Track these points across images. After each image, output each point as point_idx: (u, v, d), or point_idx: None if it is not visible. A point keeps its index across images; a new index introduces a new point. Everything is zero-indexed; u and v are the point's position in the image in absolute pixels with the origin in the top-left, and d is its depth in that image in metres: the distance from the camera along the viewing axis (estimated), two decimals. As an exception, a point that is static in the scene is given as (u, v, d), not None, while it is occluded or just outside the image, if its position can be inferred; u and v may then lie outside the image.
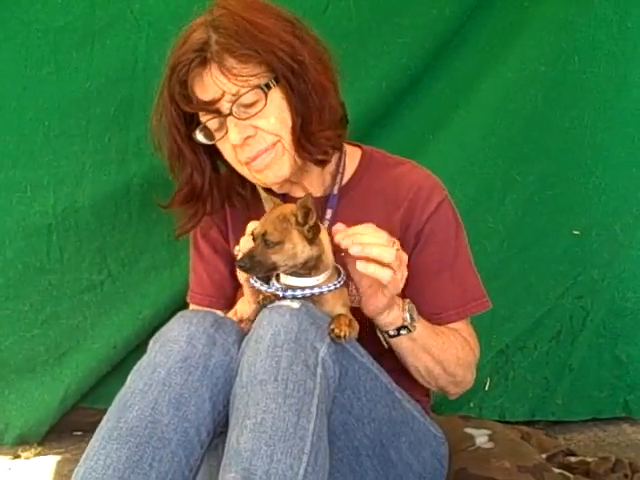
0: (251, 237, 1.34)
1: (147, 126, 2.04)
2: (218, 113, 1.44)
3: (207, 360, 1.29)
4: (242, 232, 1.40)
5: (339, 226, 1.37)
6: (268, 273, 1.36)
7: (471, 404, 2.27)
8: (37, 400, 2.22)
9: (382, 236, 1.34)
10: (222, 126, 1.47)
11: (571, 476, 1.75)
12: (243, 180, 1.57)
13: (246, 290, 1.44)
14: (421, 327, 1.47)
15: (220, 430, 1.31)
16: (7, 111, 2.08)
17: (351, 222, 1.41)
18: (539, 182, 2.24)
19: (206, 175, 1.55)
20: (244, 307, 1.47)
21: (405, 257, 1.39)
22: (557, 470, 1.77)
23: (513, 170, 2.23)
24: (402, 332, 1.46)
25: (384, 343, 1.50)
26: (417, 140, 2.20)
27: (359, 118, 2.13)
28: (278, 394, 1.21)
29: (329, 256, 1.38)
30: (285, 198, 1.59)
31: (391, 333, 1.47)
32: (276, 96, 1.44)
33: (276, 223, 1.33)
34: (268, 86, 1.43)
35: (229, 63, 1.41)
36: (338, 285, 1.38)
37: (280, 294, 1.36)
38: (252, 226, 1.37)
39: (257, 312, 1.36)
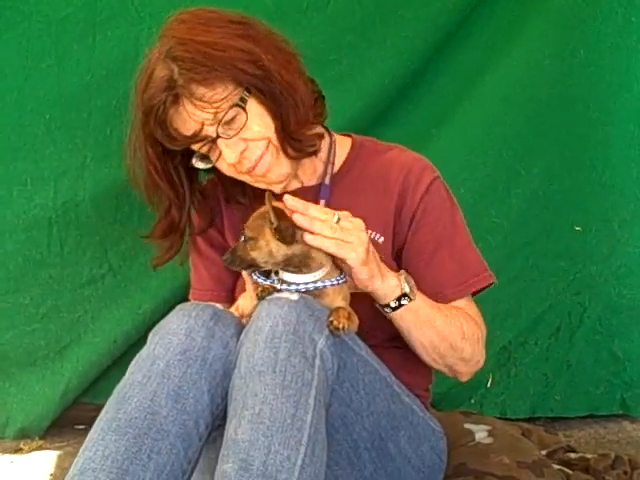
0: None
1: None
2: (206, 139, 1.46)
3: (206, 353, 1.29)
4: (238, 229, 1.42)
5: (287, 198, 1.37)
6: (249, 269, 1.39)
7: (472, 401, 2.26)
8: (38, 394, 2.22)
9: (319, 209, 1.36)
10: (212, 148, 1.49)
11: (571, 472, 1.75)
12: (244, 189, 1.59)
13: (248, 285, 1.45)
14: (421, 299, 1.46)
15: (218, 423, 1.31)
16: (8, 103, 2.07)
17: (344, 209, 1.41)
18: (543, 176, 2.22)
19: (184, 207, 1.57)
20: (246, 302, 1.47)
21: (356, 221, 1.37)
22: (557, 466, 1.77)
23: (517, 164, 2.22)
24: (403, 302, 1.44)
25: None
26: (421, 135, 2.19)
27: (362, 113, 2.15)
28: (276, 385, 1.21)
29: (321, 254, 1.37)
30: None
31: (392, 305, 1.44)
32: (252, 105, 1.45)
33: (255, 219, 1.37)
34: (243, 100, 1.43)
35: (199, 93, 1.41)
36: (341, 281, 1.38)
37: (278, 287, 1.37)
38: None
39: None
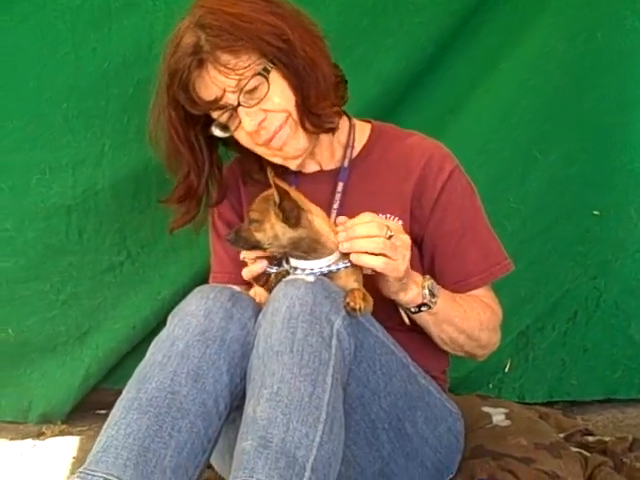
0: None
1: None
2: (227, 107, 1.48)
3: (224, 334, 1.31)
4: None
5: (341, 219, 1.42)
6: (253, 249, 1.41)
7: (490, 385, 2.27)
8: (59, 380, 2.24)
9: (373, 225, 1.37)
10: (232, 117, 1.51)
11: (588, 455, 1.75)
12: (260, 165, 1.60)
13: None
14: (442, 301, 1.50)
15: (237, 403, 1.32)
16: (25, 92, 2.09)
17: (362, 194, 1.49)
18: (561, 161, 2.21)
19: (203, 175, 1.59)
20: (262, 290, 1.48)
21: (404, 239, 1.41)
22: (575, 449, 1.77)
23: (534, 149, 2.20)
24: (422, 309, 1.49)
25: (405, 319, 1.53)
26: (436, 120, 2.19)
27: (377, 99, 2.15)
28: (294, 364, 1.22)
29: (331, 239, 1.39)
30: (298, 175, 1.62)
31: (412, 310, 1.50)
32: (275, 77, 1.48)
33: (260, 202, 1.39)
34: (267, 70, 1.46)
35: (223, 59, 1.44)
36: (349, 264, 1.39)
37: (291, 272, 1.39)
38: None
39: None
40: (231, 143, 1.60)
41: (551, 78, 2.17)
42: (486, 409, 1.84)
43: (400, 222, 1.55)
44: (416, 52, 2.15)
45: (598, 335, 2.28)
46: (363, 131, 1.66)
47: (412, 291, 1.46)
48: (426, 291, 1.48)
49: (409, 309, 1.50)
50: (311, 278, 1.33)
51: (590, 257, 2.27)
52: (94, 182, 2.13)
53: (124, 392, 1.27)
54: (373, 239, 1.36)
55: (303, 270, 1.39)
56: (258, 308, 1.36)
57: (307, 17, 1.53)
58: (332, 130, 1.58)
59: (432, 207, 1.58)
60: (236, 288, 1.41)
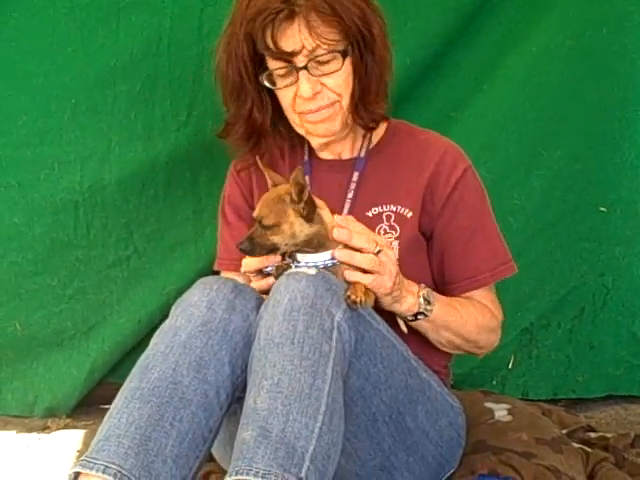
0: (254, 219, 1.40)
1: (172, 103, 2.12)
2: (293, 64, 1.50)
3: (226, 325, 1.32)
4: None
5: (349, 218, 1.44)
6: (270, 254, 1.41)
7: (494, 382, 2.27)
8: (65, 374, 2.26)
9: (362, 239, 1.40)
10: (288, 75, 1.53)
11: (590, 450, 1.75)
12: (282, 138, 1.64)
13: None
14: (438, 307, 1.53)
15: (238, 395, 1.33)
16: (34, 88, 2.11)
17: (376, 185, 1.56)
18: (566, 157, 2.21)
19: (267, 113, 1.60)
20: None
21: (390, 255, 1.44)
22: (576, 445, 1.77)
23: (539, 145, 2.20)
24: (419, 317, 1.53)
25: (403, 328, 1.55)
26: (441, 116, 2.19)
27: (383, 94, 2.15)
28: (294, 356, 1.23)
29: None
30: (313, 162, 1.66)
31: (409, 319, 1.53)
32: (347, 62, 1.52)
33: (271, 206, 1.38)
34: (346, 53, 1.51)
35: (315, 22, 1.47)
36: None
37: (293, 266, 1.40)
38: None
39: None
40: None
41: (556, 75, 2.17)
42: (488, 405, 1.84)
43: (410, 214, 1.58)
44: (421, 49, 2.16)
45: (605, 332, 2.28)
46: (380, 125, 1.69)
47: (408, 301, 1.50)
48: (422, 300, 1.51)
49: (406, 317, 1.53)
50: (313, 271, 1.34)
51: (597, 254, 2.27)
52: (101, 177, 2.15)
53: (126, 382, 1.28)
54: (365, 255, 1.40)
55: (308, 264, 1.40)
56: (261, 300, 1.37)
57: (385, 20, 1.58)
58: (372, 129, 1.63)
59: (444, 202, 1.61)
60: (239, 280, 1.42)
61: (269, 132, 1.62)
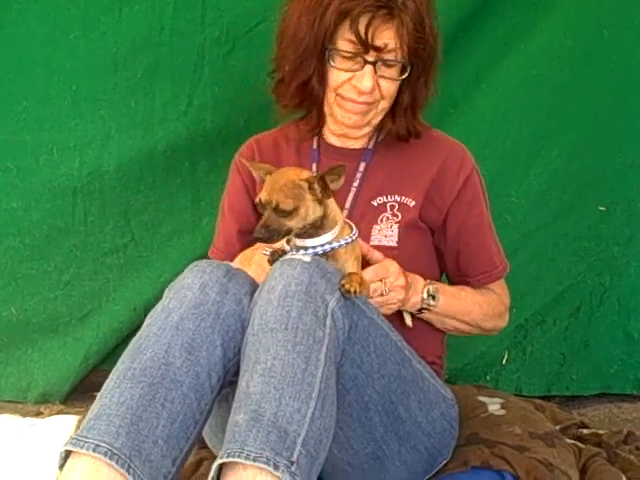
0: (260, 205, 1.39)
1: (173, 92, 2.12)
2: (363, 54, 1.55)
3: (219, 308, 1.32)
4: None
5: (378, 257, 1.53)
6: (284, 239, 1.42)
7: (487, 377, 2.28)
8: (59, 360, 2.27)
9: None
10: (349, 61, 1.57)
11: (583, 446, 1.75)
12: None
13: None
14: (444, 301, 1.61)
15: (230, 379, 1.33)
16: (35, 74, 2.11)
17: (381, 176, 1.64)
18: (564, 156, 2.22)
19: (324, 85, 1.62)
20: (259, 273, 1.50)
21: (397, 285, 1.52)
22: (569, 441, 1.77)
23: (537, 144, 2.22)
24: (423, 312, 1.62)
25: (408, 322, 1.61)
26: (440, 114, 2.19)
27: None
28: (288, 341, 1.23)
29: (335, 213, 1.43)
30: (321, 147, 1.70)
31: (414, 313, 1.62)
32: (404, 74, 1.60)
33: (286, 191, 1.36)
34: (406, 66, 1.59)
35: (406, 31, 1.54)
36: (349, 240, 1.42)
37: (293, 252, 1.41)
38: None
39: None
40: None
41: (555, 74, 2.18)
42: (482, 398, 1.83)
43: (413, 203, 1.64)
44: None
45: (600, 331, 2.29)
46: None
47: (413, 300, 1.57)
48: (425, 295, 1.59)
49: (412, 312, 1.61)
50: (307, 258, 1.34)
51: (595, 253, 2.28)
52: (100, 164, 2.15)
53: (118, 363, 1.28)
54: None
55: (306, 249, 1.40)
56: (254, 285, 1.37)
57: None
58: (404, 140, 1.67)
59: (455, 197, 1.66)
60: (233, 264, 1.42)
61: (319, 103, 1.64)
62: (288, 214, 1.36)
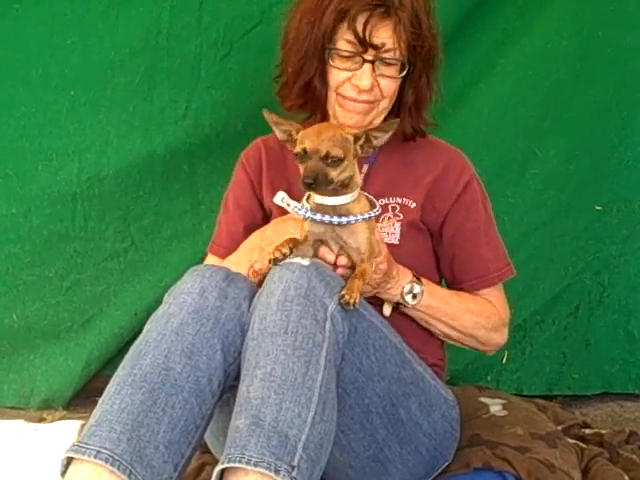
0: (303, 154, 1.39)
1: (171, 96, 2.12)
2: (362, 53, 1.57)
3: (219, 312, 1.32)
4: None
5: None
6: (327, 189, 1.41)
7: (488, 377, 2.28)
8: (61, 365, 2.27)
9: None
10: (348, 60, 1.60)
11: (585, 446, 1.75)
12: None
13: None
14: (428, 301, 1.60)
15: (231, 383, 1.33)
16: (33, 80, 2.11)
17: (383, 178, 1.68)
18: (560, 157, 2.23)
19: (325, 85, 1.64)
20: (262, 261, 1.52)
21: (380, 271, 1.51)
22: (571, 441, 1.77)
23: (534, 144, 2.22)
24: (400, 307, 1.62)
25: (386, 311, 1.61)
26: (437, 114, 2.18)
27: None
28: (287, 346, 1.24)
29: (358, 177, 1.46)
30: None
31: (393, 302, 1.62)
32: (403, 72, 1.62)
33: (335, 141, 1.39)
34: (405, 65, 1.61)
35: (404, 28, 1.56)
36: (372, 215, 1.45)
37: (309, 215, 1.42)
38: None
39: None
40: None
41: (552, 74, 2.19)
42: (483, 399, 1.84)
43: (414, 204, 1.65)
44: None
45: (600, 330, 2.29)
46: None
47: (390, 290, 1.57)
48: (406, 291, 1.58)
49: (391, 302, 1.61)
50: (306, 262, 1.34)
51: (593, 252, 2.28)
52: (99, 169, 2.15)
53: (119, 368, 1.29)
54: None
55: (323, 215, 1.41)
56: (253, 289, 1.38)
57: None
58: (411, 138, 1.69)
59: (454, 202, 1.68)
60: (232, 269, 1.42)
61: (322, 104, 1.66)
62: (337, 163, 1.37)
